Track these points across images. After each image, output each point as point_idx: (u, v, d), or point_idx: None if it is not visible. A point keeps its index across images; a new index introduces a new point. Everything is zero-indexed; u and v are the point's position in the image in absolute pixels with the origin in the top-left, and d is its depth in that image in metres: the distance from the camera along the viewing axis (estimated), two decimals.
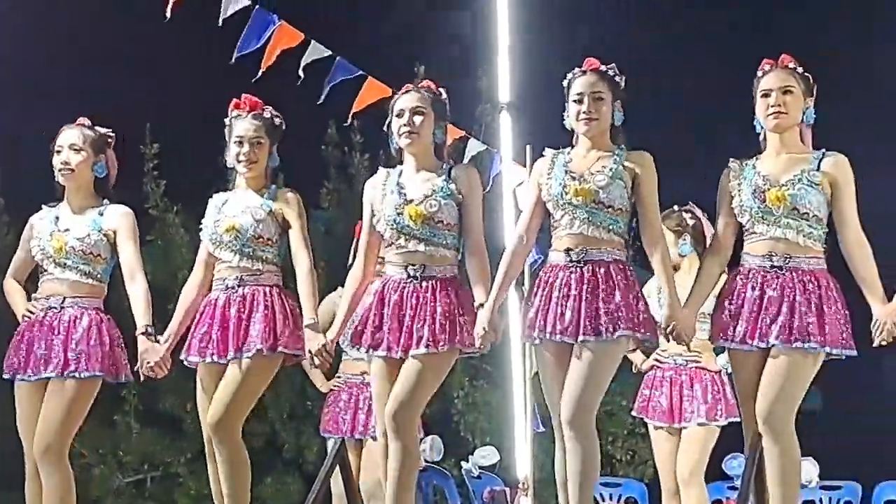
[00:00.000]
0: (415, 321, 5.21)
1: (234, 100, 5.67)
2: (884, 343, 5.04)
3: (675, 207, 6.83)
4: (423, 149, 5.38)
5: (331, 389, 7.99)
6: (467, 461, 9.58)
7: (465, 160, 8.79)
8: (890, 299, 5.03)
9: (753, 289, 5.09)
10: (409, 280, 5.28)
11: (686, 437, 6.87)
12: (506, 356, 9.52)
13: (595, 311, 5.06)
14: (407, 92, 5.42)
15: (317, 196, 12.73)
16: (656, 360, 6.96)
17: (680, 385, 6.91)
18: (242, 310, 5.46)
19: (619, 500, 9.39)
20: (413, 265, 5.29)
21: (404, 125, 5.35)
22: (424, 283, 5.26)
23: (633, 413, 7.06)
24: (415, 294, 5.25)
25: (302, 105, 8.29)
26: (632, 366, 7.09)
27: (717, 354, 6.82)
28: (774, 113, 5.15)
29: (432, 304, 5.22)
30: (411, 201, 5.29)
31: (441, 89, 5.47)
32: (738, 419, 6.71)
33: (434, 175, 5.35)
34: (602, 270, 5.12)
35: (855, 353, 5.05)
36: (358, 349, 5.39)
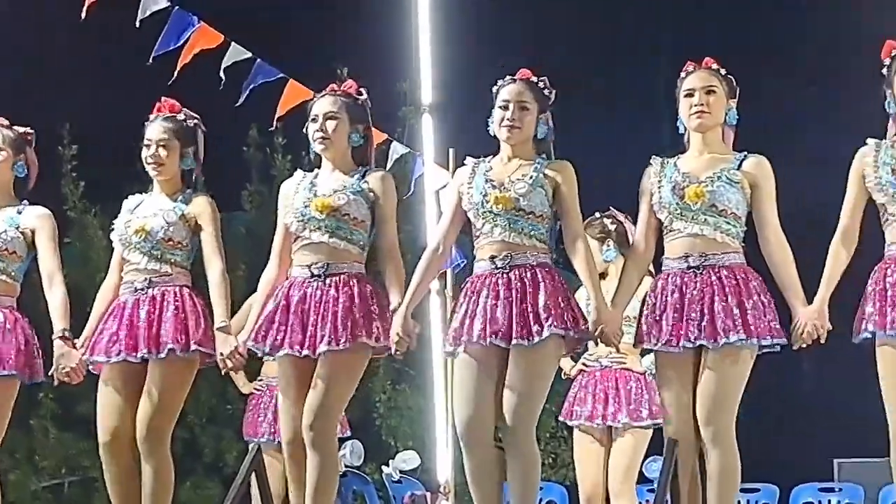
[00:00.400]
0: (318, 319, 5.19)
1: (157, 103, 5.63)
2: (804, 346, 5.07)
3: (597, 214, 6.85)
4: (339, 153, 5.37)
5: (252, 392, 7.92)
6: (388, 466, 9.55)
7: (389, 163, 8.78)
8: (810, 301, 5.07)
9: (674, 291, 5.10)
10: (312, 279, 5.25)
11: (615, 448, 6.88)
12: (428, 360, 9.51)
13: (525, 314, 5.05)
14: (322, 96, 5.41)
15: (238, 198, 12.65)
16: (583, 364, 6.98)
17: (605, 387, 6.92)
18: (152, 310, 5.40)
19: (539, 503, 9.40)
20: (316, 264, 5.26)
21: (317, 130, 5.34)
22: (328, 281, 5.24)
23: (561, 418, 7.06)
24: (318, 292, 5.23)
25: (224, 107, 8.23)
26: (560, 371, 7.10)
27: (641, 356, 6.85)
28: (697, 112, 5.18)
29: (334, 300, 5.20)
30: (320, 194, 5.28)
31: (360, 92, 5.44)
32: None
33: (348, 176, 5.34)
34: (529, 274, 5.12)
35: (785, 340, 5.08)
36: (262, 350, 5.34)
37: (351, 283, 5.26)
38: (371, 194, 5.32)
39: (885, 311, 4.89)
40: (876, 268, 5.00)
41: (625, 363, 6.88)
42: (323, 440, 5.15)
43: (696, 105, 5.17)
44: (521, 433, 5.04)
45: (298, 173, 5.48)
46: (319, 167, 5.44)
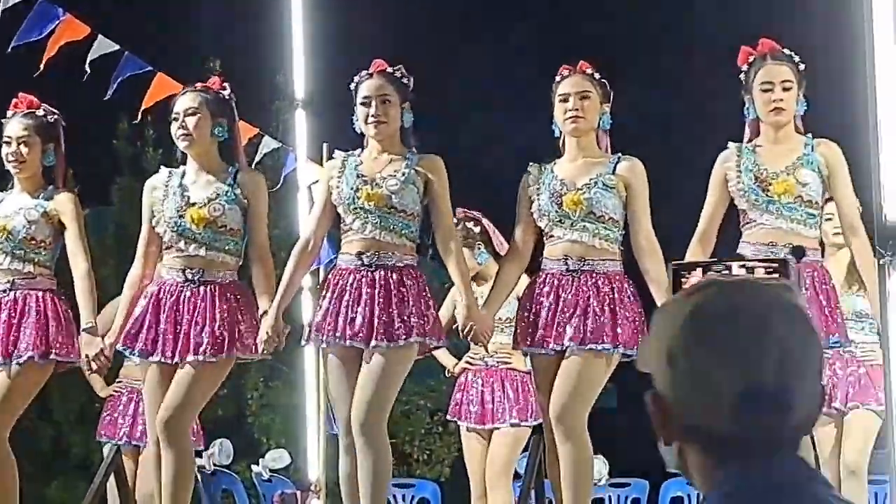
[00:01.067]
0: (192, 327, 5.11)
1: (14, 100, 5.50)
2: None
3: (456, 220, 6.81)
4: (203, 149, 5.29)
5: (111, 394, 7.80)
6: (259, 464, 9.46)
7: (259, 158, 8.69)
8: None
9: (550, 293, 5.12)
10: (186, 284, 5.17)
11: (495, 440, 6.89)
12: (301, 357, 9.43)
13: (387, 317, 5.02)
14: (183, 94, 5.34)
15: (107, 192, 12.44)
16: (468, 362, 6.97)
17: (491, 386, 6.92)
18: (13, 315, 5.28)
19: (412, 501, 9.38)
20: (191, 269, 5.17)
21: (179, 128, 5.26)
22: (202, 288, 5.17)
23: (449, 417, 7.05)
24: (192, 299, 5.15)
25: (92, 99, 8.08)
26: (443, 368, 7.10)
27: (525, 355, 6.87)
28: (572, 117, 5.20)
29: (211, 310, 5.13)
30: (194, 204, 5.19)
31: (224, 87, 5.37)
32: None
33: (218, 178, 5.26)
34: (395, 276, 5.09)
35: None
36: (131, 353, 5.24)
37: (227, 293, 5.18)
38: (244, 199, 5.25)
39: None
40: None
41: (510, 362, 6.89)
42: (176, 437, 5.09)
43: (570, 110, 5.19)
44: (370, 430, 5.01)
45: (164, 171, 5.38)
46: (185, 164, 5.35)
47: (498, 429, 6.89)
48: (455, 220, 6.78)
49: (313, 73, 8.98)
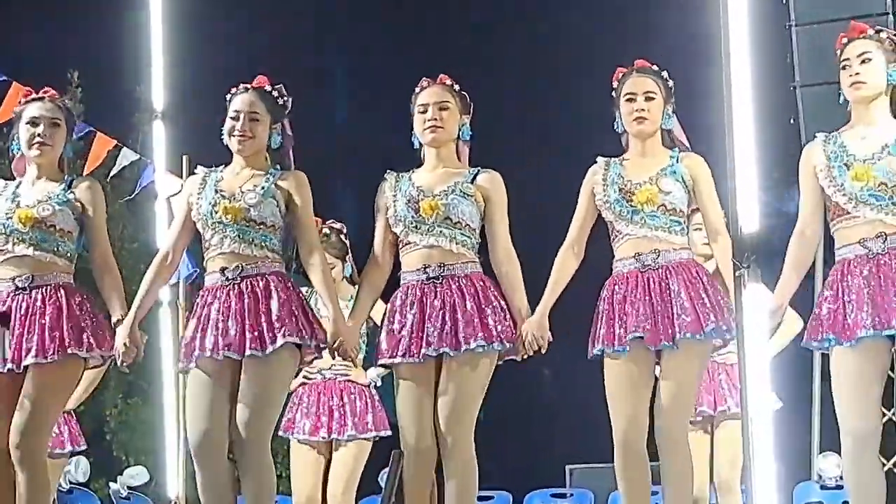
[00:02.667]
0: (24, 332, 5.01)
1: None
2: (526, 356, 5.13)
3: (327, 231, 6.77)
4: (50, 160, 5.22)
5: None
6: (117, 482, 9.31)
7: (117, 170, 8.57)
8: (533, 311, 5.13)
9: (413, 304, 5.09)
10: (17, 292, 5.07)
11: (338, 457, 6.81)
12: (161, 373, 9.30)
13: (258, 324, 4.96)
14: (31, 101, 5.25)
15: None
16: (305, 376, 6.86)
17: (329, 399, 6.85)
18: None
19: None
20: (20, 277, 5.09)
21: (35, 135, 5.18)
22: (34, 293, 5.07)
23: (281, 432, 6.91)
24: (24, 304, 5.05)
25: None
26: None
27: (365, 369, 6.80)
28: (431, 127, 5.19)
29: (41, 312, 5.03)
30: (23, 206, 5.11)
31: (72, 96, 5.31)
32: (388, 433, 6.74)
33: (53, 185, 5.18)
34: (261, 283, 5.03)
35: (507, 346, 5.11)
36: None
37: (58, 293, 5.09)
38: (78, 204, 5.17)
39: (613, 328, 5.01)
40: (605, 283, 5.12)
41: (349, 375, 6.82)
42: (32, 459, 4.97)
43: (429, 120, 5.19)
44: (256, 446, 4.94)
45: (0, 182, 5.29)
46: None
47: (338, 441, 6.81)
48: (326, 232, 6.75)
49: (172, 85, 8.89)
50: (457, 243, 5.10)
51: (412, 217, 5.11)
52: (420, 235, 5.11)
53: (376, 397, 6.86)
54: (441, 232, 5.10)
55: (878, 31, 4.90)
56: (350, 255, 6.76)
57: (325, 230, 6.70)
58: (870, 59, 4.80)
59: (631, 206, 5.08)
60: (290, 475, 6.89)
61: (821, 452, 10.11)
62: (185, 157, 8.24)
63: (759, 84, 6.41)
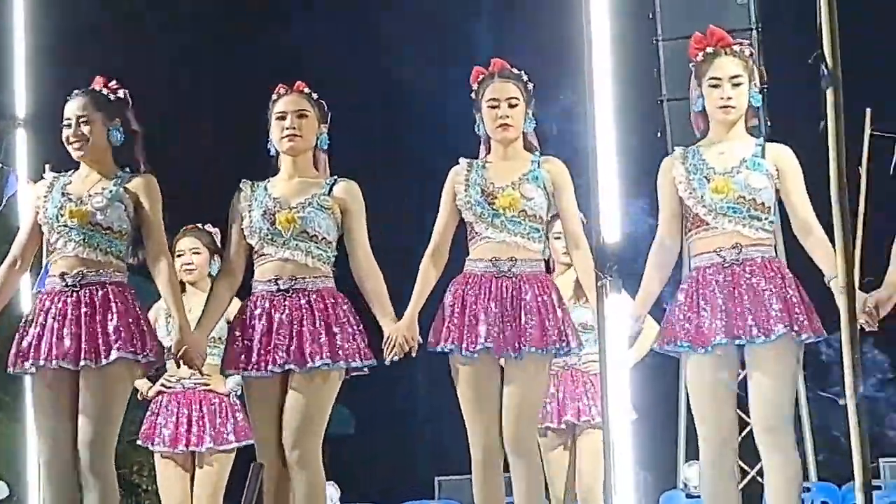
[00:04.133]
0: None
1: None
2: (395, 359, 5.12)
3: (200, 226, 6.71)
4: None
5: None
6: None
7: None
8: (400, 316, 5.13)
9: (262, 315, 5.05)
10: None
11: (201, 471, 6.72)
12: (21, 385, 9.10)
13: (94, 335, 4.88)
14: None
15: None
16: (163, 385, 6.77)
17: (189, 409, 6.75)
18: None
19: None
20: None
21: None
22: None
23: (139, 442, 6.81)
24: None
25: None
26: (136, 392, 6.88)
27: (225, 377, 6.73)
28: (289, 136, 5.16)
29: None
30: None
31: None
32: (251, 442, 6.66)
33: None
34: (100, 293, 4.96)
35: (374, 362, 5.11)
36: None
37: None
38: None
39: (463, 330, 5.02)
40: (454, 279, 5.12)
41: (208, 385, 6.75)
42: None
43: (287, 129, 5.15)
44: (95, 459, 4.87)
45: None
46: None
47: (200, 454, 6.72)
48: (197, 228, 6.67)
49: (35, 93, 8.72)
50: (312, 257, 5.07)
51: (268, 229, 5.07)
52: (275, 248, 5.08)
53: (237, 406, 6.78)
54: (297, 245, 5.07)
55: (739, 45, 4.97)
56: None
57: (199, 226, 6.66)
58: (740, 84, 4.90)
59: (492, 209, 5.10)
60: (158, 489, 6.80)
61: (687, 461, 10.24)
62: (47, 166, 8.09)
63: (625, 97, 6.46)
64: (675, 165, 5.00)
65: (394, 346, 5.09)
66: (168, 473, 6.74)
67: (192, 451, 6.74)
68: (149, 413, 6.80)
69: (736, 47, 5.00)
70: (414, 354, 5.18)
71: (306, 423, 4.99)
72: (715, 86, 4.98)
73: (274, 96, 5.26)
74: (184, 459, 6.74)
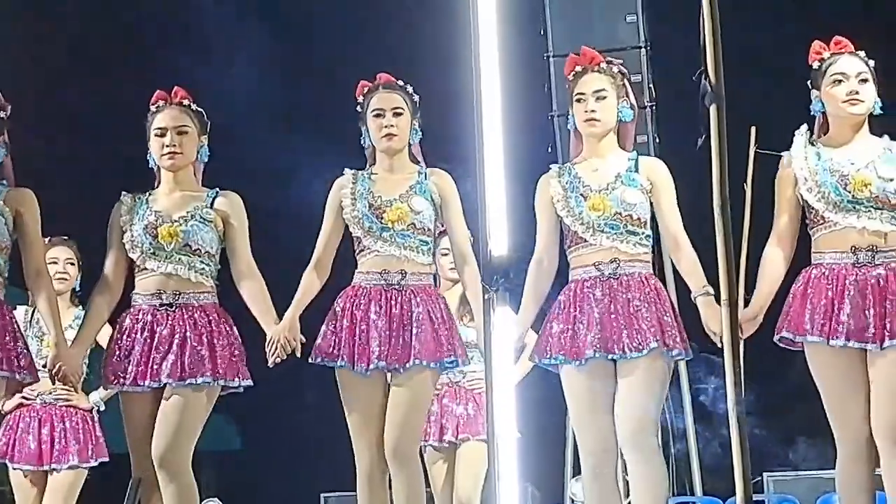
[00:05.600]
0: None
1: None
2: (279, 360, 5.07)
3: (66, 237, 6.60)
4: None
5: None
6: None
7: None
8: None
9: (144, 329, 4.98)
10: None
11: (53, 485, 6.61)
12: None
13: None
14: None
15: None
16: (23, 398, 6.65)
17: (50, 424, 6.64)
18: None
19: None
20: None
21: None
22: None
23: None
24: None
25: None
26: None
27: (87, 393, 6.63)
28: (169, 154, 5.08)
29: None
30: None
31: None
32: (106, 459, 6.57)
33: None
34: None
35: (251, 383, 5.07)
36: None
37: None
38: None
39: (354, 345, 4.99)
40: (343, 292, 5.09)
41: (70, 400, 6.64)
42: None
43: (167, 146, 5.09)
44: None
45: None
46: None
47: (56, 471, 6.60)
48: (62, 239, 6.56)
49: None
50: (195, 271, 5.02)
51: (150, 243, 5.01)
52: (158, 262, 5.02)
53: (97, 422, 6.68)
54: (179, 259, 5.02)
55: (609, 63, 5.02)
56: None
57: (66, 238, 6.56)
58: (604, 97, 4.94)
59: (381, 223, 5.08)
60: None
61: (574, 476, 10.29)
62: None
63: (517, 111, 6.48)
64: (552, 183, 5.06)
65: (276, 347, 5.05)
66: (24, 489, 6.61)
67: (49, 469, 6.62)
68: (5, 428, 6.66)
69: (603, 65, 5.06)
70: (298, 354, 5.16)
71: (179, 437, 4.94)
72: (580, 100, 5.04)
73: (153, 107, 5.19)
74: (39, 475, 6.61)
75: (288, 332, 5.07)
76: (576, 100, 5.05)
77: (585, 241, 4.95)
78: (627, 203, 4.95)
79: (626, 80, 5.10)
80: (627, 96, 5.08)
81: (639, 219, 4.97)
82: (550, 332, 4.95)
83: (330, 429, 5.33)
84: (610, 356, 4.80)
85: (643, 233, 4.97)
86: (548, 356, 4.93)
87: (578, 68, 5.09)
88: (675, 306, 4.97)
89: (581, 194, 5.00)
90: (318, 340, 5.19)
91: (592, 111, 5.00)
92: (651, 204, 5.02)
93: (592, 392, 4.87)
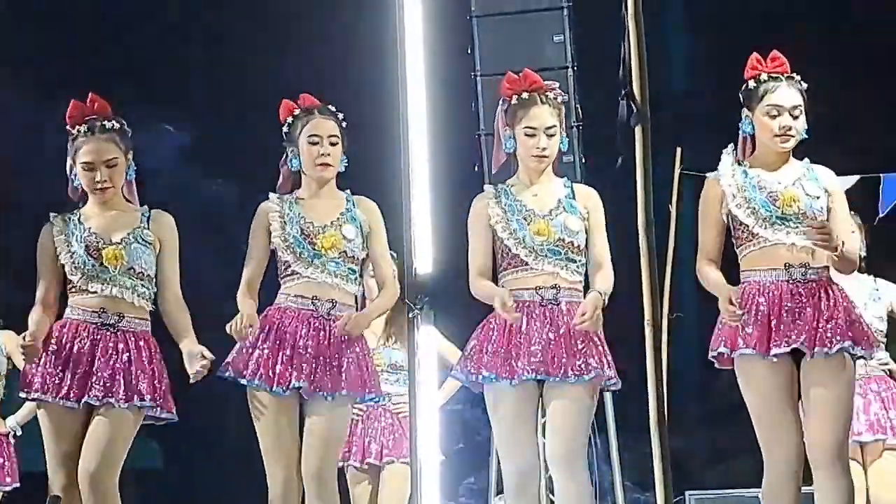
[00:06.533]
0: None
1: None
2: (199, 378, 4.99)
3: None
4: None
5: None
6: None
7: None
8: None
9: (83, 345, 4.90)
10: None
11: None
12: None
13: None
14: None
15: None
16: None
17: None
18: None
19: None
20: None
21: None
22: None
23: None
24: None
25: None
26: None
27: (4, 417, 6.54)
28: (100, 188, 4.98)
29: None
30: None
31: None
32: (18, 485, 6.51)
33: None
34: None
35: (175, 418, 4.99)
36: None
37: None
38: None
39: (275, 366, 4.94)
40: (267, 312, 5.03)
41: None
42: None
43: (98, 181, 4.98)
44: None
45: None
46: None
47: None
48: None
49: None
50: (137, 295, 4.93)
51: (93, 265, 4.92)
52: (101, 284, 4.91)
53: (13, 446, 6.60)
54: (123, 282, 4.92)
55: (551, 91, 5.02)
56: None
57: None
58: (554, 134, 4.94)
59: (313, 249, 5.02)
60: None
61: (497, 494, 10.30)
62: None
63: (444, 130, 6.50)
64: (490, 205, 5.02)
65: (195, 370, 4.97)
66: None
67: None
68: None
69: (551, 94, 5.05)
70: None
71: (111, 457, 4.87)
72: (531, 135, 5.03)
73: (74, 130, 5.06)
74: None
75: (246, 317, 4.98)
76: (525, 133, 5.02)
77: (527, 265, 4.95)
78: (570, 230, 4.96)
79: (564, 109, 5.12)
80: (563, 125, 5.10)
81: (578, 246, 4.98)
82: (482, 350, 4.94)
83: (251, 448, 5.27)
84: (552, 378, 4.82)
85: (580, 260, 4.98)
86: (476, 374, 4.92)
87: (525, 95, 5.07)
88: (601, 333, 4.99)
89: (524, 218, 5.00)
90: (233, 356, 5.11)
91: (544, 148, 5.01)
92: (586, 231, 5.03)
93: (520, 412, 4.86)
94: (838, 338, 4.61)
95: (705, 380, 5.03)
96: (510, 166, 5.03)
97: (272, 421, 4.92)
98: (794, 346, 4.61)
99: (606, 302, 4.77)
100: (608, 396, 7.81)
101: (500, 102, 5.01)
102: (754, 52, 4.83)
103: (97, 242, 4.91)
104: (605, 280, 4.84)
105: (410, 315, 5.31)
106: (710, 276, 4.81)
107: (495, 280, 4.96)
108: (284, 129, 5.13)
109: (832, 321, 4.65)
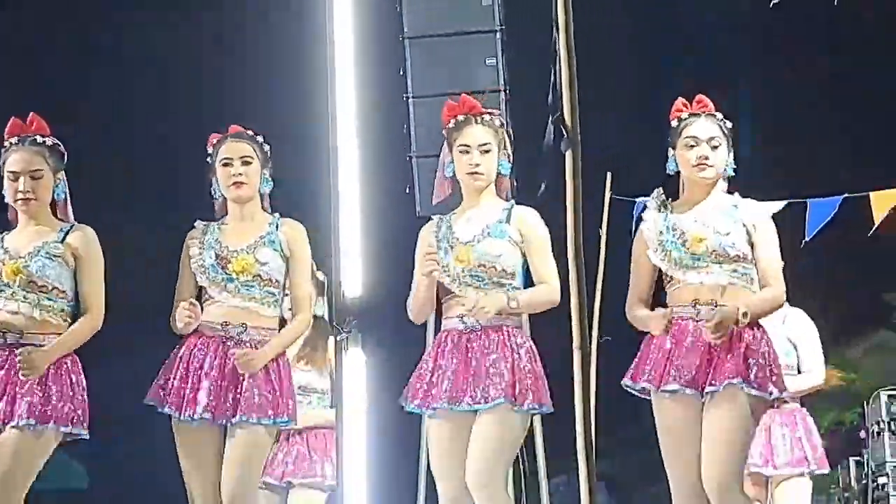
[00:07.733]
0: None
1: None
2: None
3: None
4: None
5: None
6: None
7: None
8: None
9: None
10: None
11: None
12: None
13: None
14: None
15: None
16: None
17: None
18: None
19: None
20: None
21: None
22: None
23: None
24: None
25: None
26: None
27: None
28: (23, 199, 4.93)
29: None
30: None
31: None
32: None
33: None
34: None
35: (86, 434, 4.93)
36: None
37: None
38: None
39: (184, 393, 4.90)
40: (185, 339, 4.99)
41: None
42: None
43: (21, 192, 4.93)
44: None
45: None
46: None
47: None
48: None
49: None
50: (41, 309, 4.86)
51: None
52: (2, 300, 4.86)
53: None
54: (25, 297, 4.85)
55: (490, 114, 5.03)
56: None
57: None
58: (488, 151, 4.95)
59: (226, 273, 4.98)
60: None
61: None
62: None
63: (375, 152, 6.50)
64: (428, 235, 5.04)
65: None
66: None
67: None
68: None
69: (486, 116, 5.07)
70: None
71: (10, 479, 4.79)
72: (464, 152, 5.04)
73: (6, 141, 5.02)
74: None
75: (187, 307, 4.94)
76: (459, 151, 5.03)
77: (452, 293, 4.96)
78: (491, 255, 4.94)
79: (505, 133, 5.12)
80: (506, 148, 5.10)
81: (504, 270, 4.96)
82: (420, 377, 4.95)
83: (177, 470, 5.22)
84: (459, 408, 4.82)
85: (511, 284, 4.97)
86: (407, 402, 4.94)
87: (461, 118, 5.08)
88: (536, 360, 4.98)
89: (450, 245, 5.00)
90: (156, 381, 5.07)
91: (477, 164, 5.00)
92: (524, 255, 5.03)
93: (452, 437, 4.87)
94: (726, 375, 4.67)
95: (636, 402, 5.04)
96: (456, 196, 5.05)
97: (187, 445, 4.89)
98: (682, 383, 4.67)
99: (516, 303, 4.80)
100: (537, 420, 7.83)
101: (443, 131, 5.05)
102: (679, 99, 4.91)
103: (4, 257, 4.86)
104: (548, 293, 4.89)
105: (338, 338, 5.27)
106: (638, 314, 4.86)
107: (439, 307, 4.97)
108: (208, 160, 5.12)
109: (728, 359, 4.71)
